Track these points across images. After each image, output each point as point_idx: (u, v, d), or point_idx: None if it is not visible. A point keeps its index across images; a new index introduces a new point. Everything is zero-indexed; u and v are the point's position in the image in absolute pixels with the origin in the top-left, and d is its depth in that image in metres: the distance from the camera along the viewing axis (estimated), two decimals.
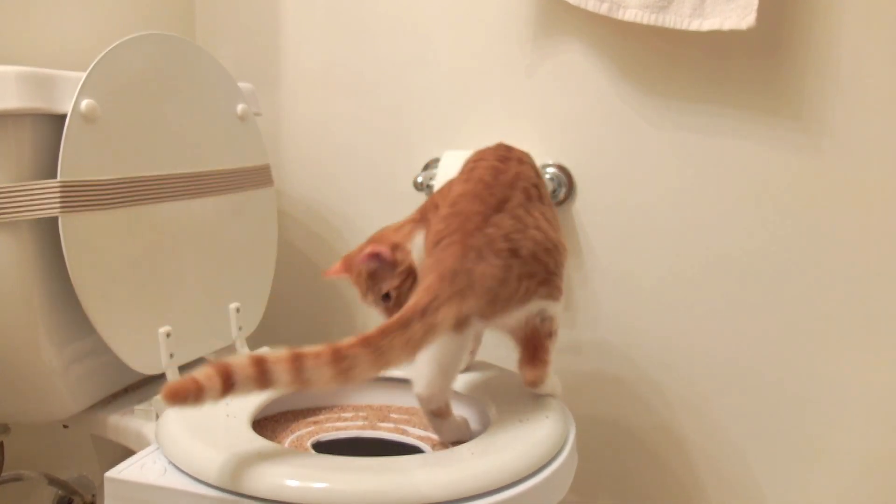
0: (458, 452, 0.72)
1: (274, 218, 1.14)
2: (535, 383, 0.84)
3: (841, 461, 1.07)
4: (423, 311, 0.69)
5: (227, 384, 0.62)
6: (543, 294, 0.78)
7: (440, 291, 0.71)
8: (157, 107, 0.93)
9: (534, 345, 0.82)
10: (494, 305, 0.75)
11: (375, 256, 0.85)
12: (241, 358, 0.63)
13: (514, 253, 0.76)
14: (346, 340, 0.66)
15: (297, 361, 0.64)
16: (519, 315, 0.79)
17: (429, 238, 0.79)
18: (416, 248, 0.88)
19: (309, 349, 0.65)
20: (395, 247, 0.87)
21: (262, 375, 0.63)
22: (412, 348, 0.68)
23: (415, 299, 0.71)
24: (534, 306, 0.78)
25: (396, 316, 0.69)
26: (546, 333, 0.81)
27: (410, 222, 0.91)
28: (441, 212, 0.80)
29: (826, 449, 1.07)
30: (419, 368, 0.78)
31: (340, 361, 0.65)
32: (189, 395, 0.61)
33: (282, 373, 0.64)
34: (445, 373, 0.78)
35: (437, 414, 0.81)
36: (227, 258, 1.04)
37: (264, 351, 0.66)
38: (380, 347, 0.66)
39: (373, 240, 0.90)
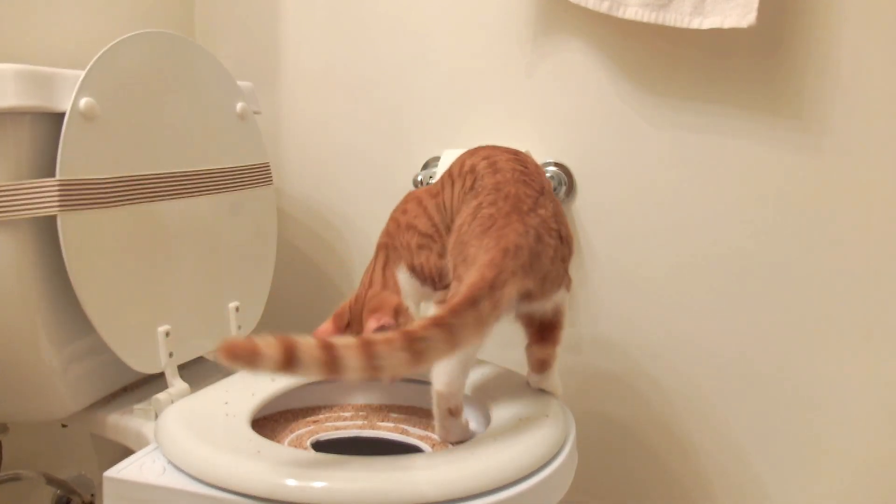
0: (458, 452, 0.72)
1: (273, 216, 1.14)
2: (545, 363, 0.83)
3: (843, 460, 1.07)
4: (492, 286, 0.66)
5: (288, 360, 0.60)
6: (567, 281, 0.79)
7: (504, 266, 0.69)
8: (157, 105, 0.92)
9: (550, 327, 0.82)
10: (544, 285, 0.74)
11: (382, 330, 0.82)
12: (308, 339, 0.61)
13: (559, 235, 0.76)
14: (416, 323, 0.64)
15: (368, 347, 0.61)
16: (553, 300, 0.78)
17: (475, 225, 0.75)
18: (403, 284, 0.87)
19: (378, 335, 0.62)
20: (398, 310, 0.85)
21: (331, 360, 0.61)
22: (482, 326, 0.66)
23: (478, 274, 0.68)
24: (562, 292, 0.79)
25: (463, 294, 0.66)
26: (560, 321, 0.82)
27: (385, 269, 0.89)
28: (482, 199, 0.77)
29: (828, 448, 1.07)
30: (440, 365, 0.76)
31: (415, 344, 0.62)
32: (244, 357, 0.59)
33: (352, 359, 0.61)
34: (465, 367, 0.77)
35: (453, 412, 0.78)
36: (226, 257, 1.04)
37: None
38: (453, 327, 0.64)
39: (372, 307, 0.86)
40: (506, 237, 0.71)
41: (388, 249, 0.90)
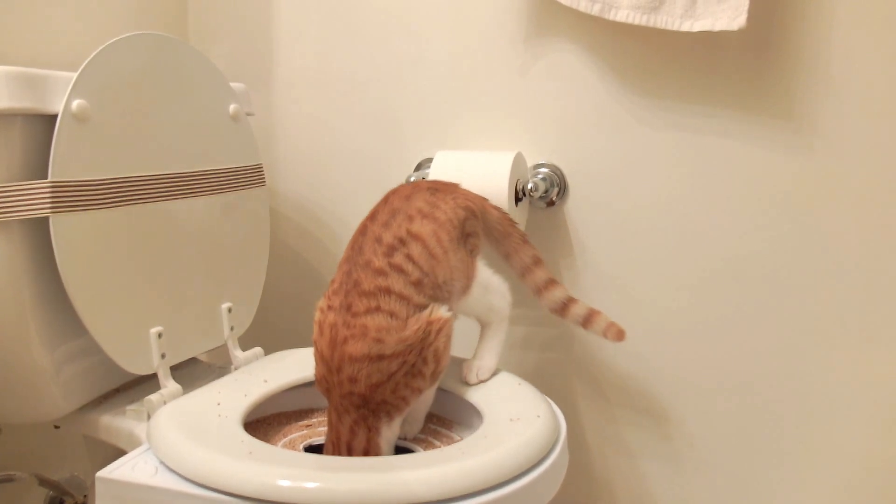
0: (449, 452, 0.73)
1: (266, 218, 1.14)
2: None
3: (842, 462, 1.07)
4: None
5: None
6: None
7: None
8: (149, 107, 0.92)
9: None
10: None
11: None
12: None
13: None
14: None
15: None
16: None
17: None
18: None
19: None
20: None
21: None
22: None
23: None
24: None
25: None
26: None
27: None
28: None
29: (827, 450, 1.08)
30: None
31: None
32: None
33: None
34: None
35: None
36: (219, 258, 1.04)
37: None
38: None
39: None
40: None
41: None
